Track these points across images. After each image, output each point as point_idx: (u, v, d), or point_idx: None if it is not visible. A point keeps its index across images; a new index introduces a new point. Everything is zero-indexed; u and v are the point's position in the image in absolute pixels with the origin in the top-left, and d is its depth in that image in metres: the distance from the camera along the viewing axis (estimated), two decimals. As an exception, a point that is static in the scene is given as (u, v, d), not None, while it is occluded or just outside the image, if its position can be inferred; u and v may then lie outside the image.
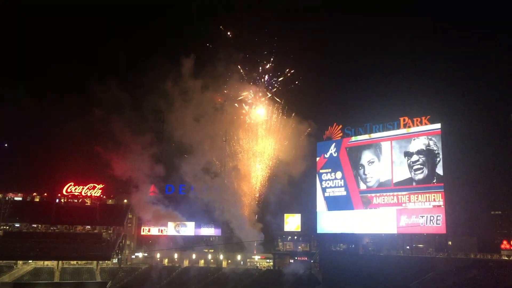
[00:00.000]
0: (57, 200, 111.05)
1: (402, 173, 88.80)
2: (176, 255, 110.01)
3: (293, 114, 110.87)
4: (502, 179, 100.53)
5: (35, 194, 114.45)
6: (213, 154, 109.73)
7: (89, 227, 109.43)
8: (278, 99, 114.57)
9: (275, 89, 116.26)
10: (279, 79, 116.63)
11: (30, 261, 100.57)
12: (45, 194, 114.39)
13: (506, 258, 78.21)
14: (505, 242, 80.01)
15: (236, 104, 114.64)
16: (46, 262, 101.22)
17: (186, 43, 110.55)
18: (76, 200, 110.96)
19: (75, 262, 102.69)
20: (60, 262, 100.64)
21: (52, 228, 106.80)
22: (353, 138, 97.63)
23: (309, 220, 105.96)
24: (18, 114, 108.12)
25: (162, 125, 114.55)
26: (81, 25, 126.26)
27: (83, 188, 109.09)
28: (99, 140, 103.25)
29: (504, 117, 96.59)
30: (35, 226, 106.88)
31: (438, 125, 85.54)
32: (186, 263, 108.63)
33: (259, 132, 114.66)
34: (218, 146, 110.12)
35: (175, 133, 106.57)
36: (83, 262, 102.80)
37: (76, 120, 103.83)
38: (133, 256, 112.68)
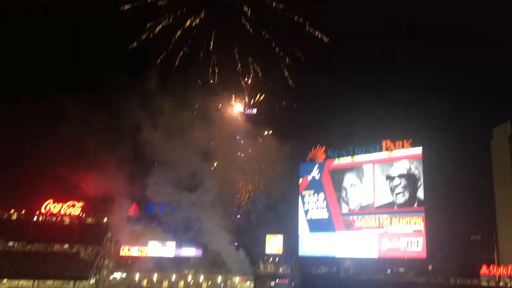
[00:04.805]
0: (35, 218, 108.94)
1: (383, 196, 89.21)
2: (155, 276, 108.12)
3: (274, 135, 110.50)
4: (482, 204, 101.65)
5: (12, 211, 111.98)
6: (192, 169, 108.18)
7: (66, 246, 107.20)
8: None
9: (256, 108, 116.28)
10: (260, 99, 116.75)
11: (4, 281, 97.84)
12: (23, 211, 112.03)
13: (485, 284, 78.42)
14: (484, 267, 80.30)
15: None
16: (21, 282, 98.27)
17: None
18: (54, 218, 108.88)
19: (51, 281, 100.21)
20: (36, 281, 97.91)
21: (28, 247, 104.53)
22: (336, 161, 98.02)
23: (291, 241, 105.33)
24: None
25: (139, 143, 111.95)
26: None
27: (62, 206, 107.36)
28: (74, 158, 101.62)
29: (484, 143, 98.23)
30: (11, 244, 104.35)
31: (419, 149, 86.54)
32: (165, 284, 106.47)
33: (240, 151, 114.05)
34: (196, 161, 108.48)
35: (154, 150, 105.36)
36: (60, 281, 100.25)
37: (54, 137, 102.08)
38: (111, 278, 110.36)
